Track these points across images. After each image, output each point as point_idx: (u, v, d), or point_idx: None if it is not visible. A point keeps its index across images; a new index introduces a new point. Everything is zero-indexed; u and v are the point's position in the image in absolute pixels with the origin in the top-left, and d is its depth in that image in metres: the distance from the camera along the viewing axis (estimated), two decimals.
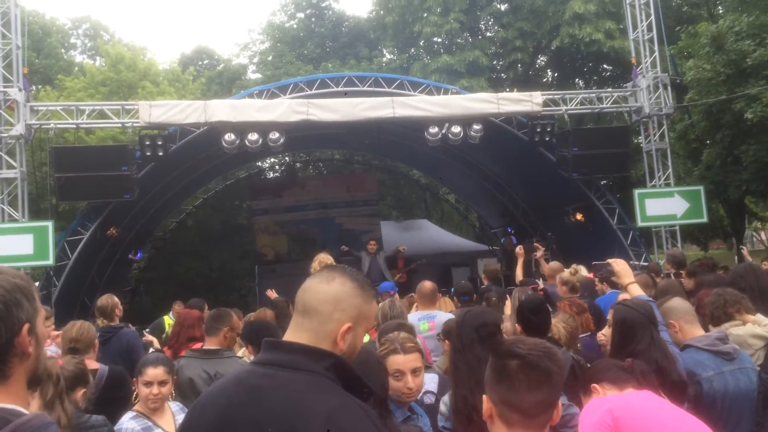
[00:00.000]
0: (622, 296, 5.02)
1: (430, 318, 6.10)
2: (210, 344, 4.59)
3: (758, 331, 4.04)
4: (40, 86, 22.40)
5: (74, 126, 12.43)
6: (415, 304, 6.76)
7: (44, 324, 1.51)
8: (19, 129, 11.40)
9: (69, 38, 32.91)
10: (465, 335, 3.31)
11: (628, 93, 13.87)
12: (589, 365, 4.17)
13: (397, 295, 7.22)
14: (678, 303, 3.83)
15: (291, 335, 1.79)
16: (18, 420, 1.31)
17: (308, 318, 1.78)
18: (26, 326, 1.42)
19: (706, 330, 3.93)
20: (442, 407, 3.36)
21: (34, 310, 1.45)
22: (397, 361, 3.15)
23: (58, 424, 3.20)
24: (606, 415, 1.97)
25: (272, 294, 8.31)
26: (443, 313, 6.25)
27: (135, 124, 11.92)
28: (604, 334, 3.81)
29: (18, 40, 11.75)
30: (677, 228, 13.58)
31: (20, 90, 11.52)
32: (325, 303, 1.78)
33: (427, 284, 6.43)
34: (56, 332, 5.16)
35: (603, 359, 2.99)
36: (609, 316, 3.59)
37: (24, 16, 12.56)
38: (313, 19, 28.82)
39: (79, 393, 3.52)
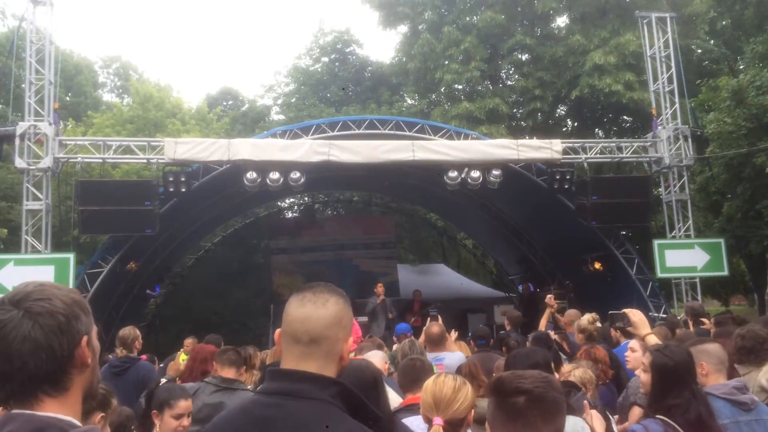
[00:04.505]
0: (632, 344, 4.97)
1: (439, 360, 6.09)
2: (227, 374, 4.52)
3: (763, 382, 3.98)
4: (68, 123, 22.98)
5: (101, 161, 12.69)
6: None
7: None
8: (47, 162, 11.67)
9: (98, 77, 33.82)
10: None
11: (648, 143, 13.91)
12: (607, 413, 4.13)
13: (413, 337, 7.21)
14: (714, 348, 3.77)
15: (297, 366, 1.76)
16: (73, 431, 1.38)
17: (316, 346, 1.76)
18: (85, 338, 1.49)
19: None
20: None
21: (89, 323, 1.53)
22: None
23: None
24: None
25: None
26: (451, 354, 6.24)
27: (160, 161, 12.15)
28: (642, 381, 3.68)
29: (51, 76, 12.13)
30: (698, 281, 13.43)
31: (50, 124, 11.83)
32: (331, 327, 1.78)
33: (435, 327, 6.47)
34: None
35: None
36: (645, 361, 3.50)
37: (57, 54, 12.97)
38: (337, 64, 29.39)
39: (98, 417, 3.51)
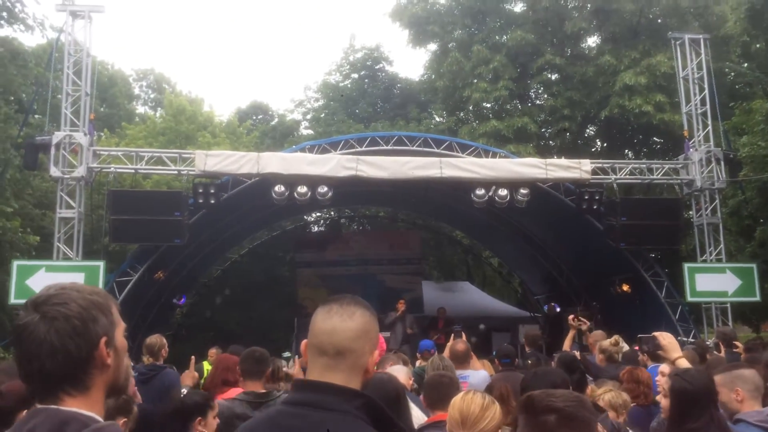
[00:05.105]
0: (663, 368, 4.91)
1: (464, 378, 6.05)
2: (254, 387, 4.44)
3: None
4: (101, 134, 23.45)
5: (133, 171, 12.91)
6: None
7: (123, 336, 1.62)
8: (81, 171, 11.90)
9: (133, 89, 34.51)
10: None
11: (680, 165, 13.73)
12: None
13: (436, 354, 7.17)
14: (750, 373, 3.71)
15: (322, 377, 1.77)
16: (94, 426, 1.43)
17: (342, 358, 1.77)
18: (103, 339, 1.53)
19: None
20: None
21: (111, 323, 1.57)
22: None
23: None
24: None
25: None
26: (475, 373, 6.19)
27: (190, 172, 12.32)
28: (663, 406, 3.68)
29: (87, 87, 12.40)
30: (728, 306, 13.17)
31: (85, 134, 12.08)
32: (357, 340, 1.79)
33: (460, 345, 6.43)
34: None
35: None
36: (664, 386, 3.49)
37: (94, 66, 13.25)
38: (366, 80, 29.63)
39: (120, 421, 3.55)
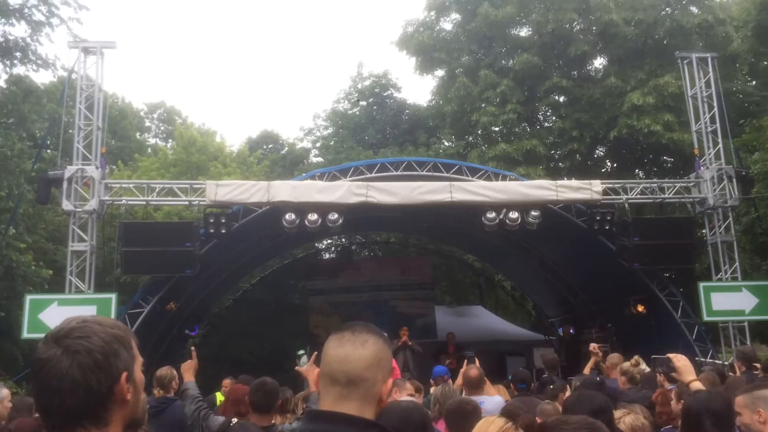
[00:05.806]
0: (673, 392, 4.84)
1: (479, 404, 5.96)
2: (261, 421, 4.32)
3: None
4: (114, 167, 23.69)
5: (144, 203, 12.98)
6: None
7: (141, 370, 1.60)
8: (92, 204, 11.99)
9: (144, 122, 34.91)
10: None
11: (692, 184, 13.67)
12: None
13: (450, 380, 7.10)
14: None
15: (335, 407, 1.73)
16: None
17: (354, 387, 1.73)
18: (124, 374, 1.50)
19: None
20: None
21: (131, 357, 1.55)
22: None
23: None
24: None
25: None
26: (490, 399, 6.09)
27: (201, 203, 12.38)
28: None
29: (99, 121, 12.56)
30: (746, 325, 12.98)
31: (97, 168, 12.20)
32: (370, 368, 1.75)
33: (473, 370, 6.34)
34: None
35: None
36: (675, 408, 3.46)
37: (105, 100, 13.42)
38: (375, 107, 29.77)
39: None
